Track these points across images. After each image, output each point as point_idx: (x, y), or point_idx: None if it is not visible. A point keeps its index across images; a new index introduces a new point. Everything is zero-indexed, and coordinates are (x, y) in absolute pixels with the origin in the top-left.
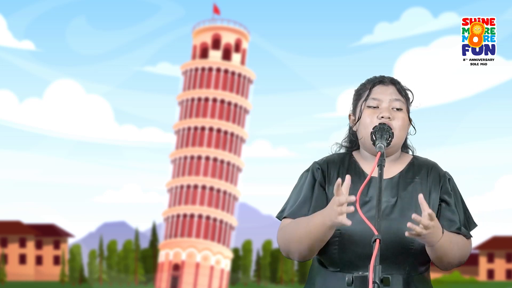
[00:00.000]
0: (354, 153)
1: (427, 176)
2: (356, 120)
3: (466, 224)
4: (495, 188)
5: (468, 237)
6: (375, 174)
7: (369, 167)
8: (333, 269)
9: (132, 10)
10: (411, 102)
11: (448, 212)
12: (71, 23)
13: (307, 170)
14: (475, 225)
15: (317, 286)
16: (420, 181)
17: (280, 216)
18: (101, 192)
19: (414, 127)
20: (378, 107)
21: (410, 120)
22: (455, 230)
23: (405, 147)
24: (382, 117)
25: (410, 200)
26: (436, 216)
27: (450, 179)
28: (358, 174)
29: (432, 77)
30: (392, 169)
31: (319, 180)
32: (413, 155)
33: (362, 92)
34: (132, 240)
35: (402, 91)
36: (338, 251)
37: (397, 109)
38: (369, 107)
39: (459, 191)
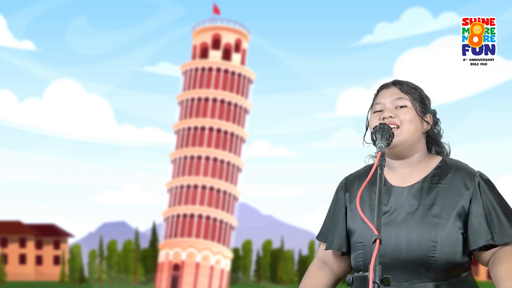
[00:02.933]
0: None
1: (453, 180)
2: (366, 129)
3: (503, 227)
4: None
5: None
6: (400, 183)
7: (391, 174)
8: None
9: (132, 10)
10: (423, 97)
11: (483, 221)
12: (71, 23)
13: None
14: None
15: None
16: (446, 186)
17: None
18: (101, 192)
19: (428, 122)
20: (382, 111)
21: (422, 115)
22: (496, 242)
23: (438, 146)
24: (384, 117)
25: (432, 207)
26: (465, 225)
27: (482, 181)
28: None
29: (432, 77)
30: (416, 174)
31: (340, 197)
32: (442, 156)
33: (371, 102)
34: (132, 240)
35: (404, 90)
36: (362, 262)
37: (402, 107)
38: (374, 112)
39: (495, 191)
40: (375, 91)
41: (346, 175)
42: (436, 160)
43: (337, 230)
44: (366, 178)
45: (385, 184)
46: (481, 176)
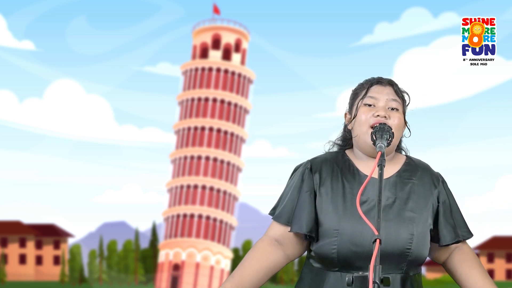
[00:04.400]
0: (347, 152)
1: (423, 178)
2: (352, 118)
3: (465, 225)
4: (495, 188)
5: (471, 237)
6: (375, 174)
7: (363, 165)
8: (330, 268)
9: (132, 10)
10: (407, 104)
11: (450, 219)
12: (71, 23)
13: (298, 169)
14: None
15: (312, 286)
16: (417, 182)
17: (272, 214)
18: (101, 192)
19: (409, 129)
20: (374, 106)
21: (405, 122)
22: (461, 238)
23: (398, 148)
24: (378, 115)
25: (407, 201)
26: (435, 220)
27: (444, 182)
28: (352, 173)
29: (432, 77)
30: (388, 169)
31: (307, 182)
32: (406, 155)
33: (360, 91)
34: (132, 240)
35: (399, 93)
36: (337, 250)
37: (393, 109)
38: (365, 105)
39: (452, 194)
40: (367, 82)
41: (310, 159)
42: (402, 158)
43: (304, 214)
44: (336, 166)
45: (359, 174)
46: (442, 177)
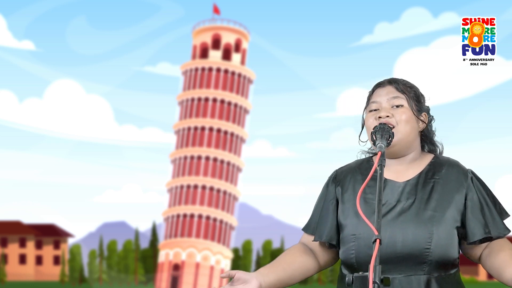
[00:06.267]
0: (374, 158)
1: (448, 175)
2: (362, 128)
3: (499, 221)
4: (495, 188)
5: (507, 234)
6: (396, 178)
7: (385, 169)
8: (351, 273)
9: (132, 10)
10: (418, 95)
11: (479, 215)
12: (71, 23)
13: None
14: (507, 215)
15: None
16: (441, 181)
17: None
18: (101, 192)
19: (423, 121)
20: (379, 109)
21: (418, 115)
22: (492, 235)
23: (432, 144)
24: (380, 117)
25: (428, 200)
26: (463, 218)
27: (474, 178)
28: (373, 177)
29: (432, 77)
30: (411, 171)
31: (330, 191)
32: (434, 154)
33: (367, 100)
34: (132, 240)
35: (400, 88)
36: (355, 255)
37: (398, 106)
38: (370, 111)
39: (486, 188)
40: (370, 90)
41: (337, 168)
42: (429, 157)
43: (327, 222)
44: (358, 172)
45: (380, 177)
46: (473, 173)
